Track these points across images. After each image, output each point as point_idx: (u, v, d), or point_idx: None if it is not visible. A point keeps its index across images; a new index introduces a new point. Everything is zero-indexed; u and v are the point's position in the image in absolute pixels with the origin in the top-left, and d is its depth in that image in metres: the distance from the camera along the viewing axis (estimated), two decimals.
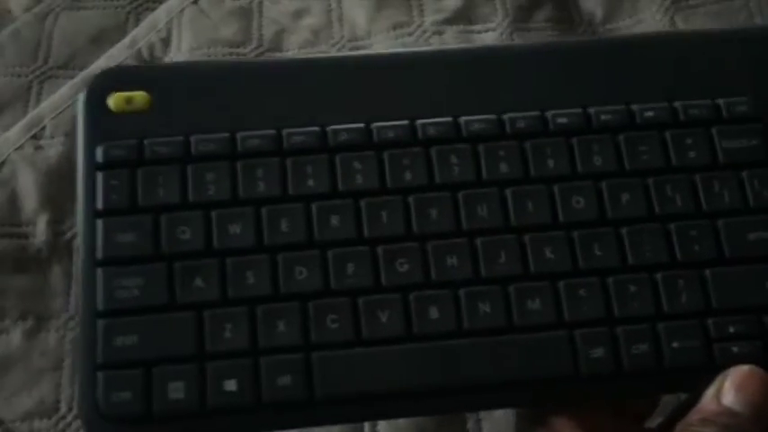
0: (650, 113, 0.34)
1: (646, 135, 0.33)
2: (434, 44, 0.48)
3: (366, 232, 0.32)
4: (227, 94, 0.34)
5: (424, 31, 0.49)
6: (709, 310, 0.31)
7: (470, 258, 0.31)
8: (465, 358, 0.31)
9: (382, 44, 0.48)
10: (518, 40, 0.48)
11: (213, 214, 0.31)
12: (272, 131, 0.33)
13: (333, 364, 0.30)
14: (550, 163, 0.33)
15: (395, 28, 0.49)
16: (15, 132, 0.46)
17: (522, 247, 0.32)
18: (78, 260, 0.31)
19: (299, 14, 0.50)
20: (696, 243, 0.32)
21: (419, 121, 0.33)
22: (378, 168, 0.32)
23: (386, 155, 0.33)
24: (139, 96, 0.33)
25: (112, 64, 0.48)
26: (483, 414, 0.39)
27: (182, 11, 0.49)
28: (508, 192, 0.32)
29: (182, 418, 0.29)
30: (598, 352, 0.31)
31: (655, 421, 0.33)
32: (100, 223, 0.31)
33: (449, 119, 0.33)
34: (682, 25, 0.48)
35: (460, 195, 0.32)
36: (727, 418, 0.29)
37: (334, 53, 0.46)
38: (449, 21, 0.49)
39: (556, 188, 0.32)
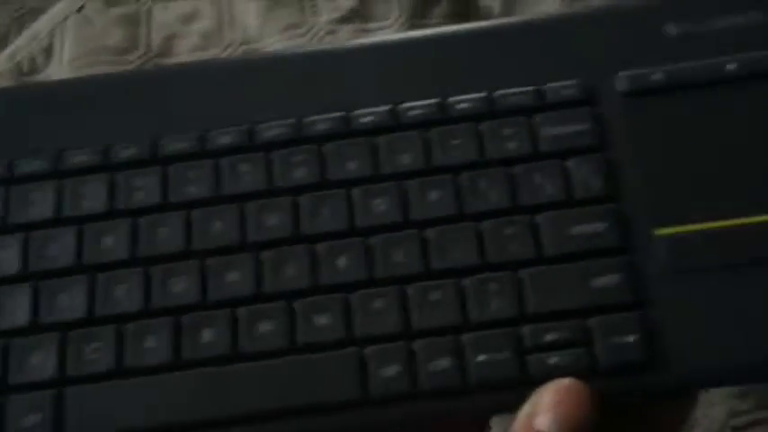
0: (465, 105, 0.30)
1: (459, 128, 0.30)
2: (327, 44, 0.46)
3: (140, 252, 0.29)
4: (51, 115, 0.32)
5: (318, 31, 0.47)
6: (524, 317, 0.27)
7: (253, 273, 0.28)
8: (241, 386, 0.27)
9: (275, 46, 0.47)
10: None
11: None
12: (98, 148, 0.31)
13: (87, 400, 0.27)
14: (350, 166, 0.30)
15: (287, 29, 0.47)
16: None
17: (313, 258, 0.28)
18: None
19: (188, 19, 0.48)
20: (512, 242, 0.28)
21: (211, 133, 0.31)
22: (161, 183, 0.30)
23: (171, 170, 0.30)
24: None
25: None
26: None
27: (65, 19, 0.48)
28: (302, 199, 0.29)
29: None
30: (391, 370, 0.27)
31: None
32: None
33: (244, 127, 0.31)
34: None
35: (248, 206, 0.29)
36: None
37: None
38: (343, 20, 0.47)
39: (354, 192, 0.29)
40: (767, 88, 0.30)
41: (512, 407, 0.26)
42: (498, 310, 0.27)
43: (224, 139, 0.30)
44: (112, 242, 0.29)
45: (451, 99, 0.31)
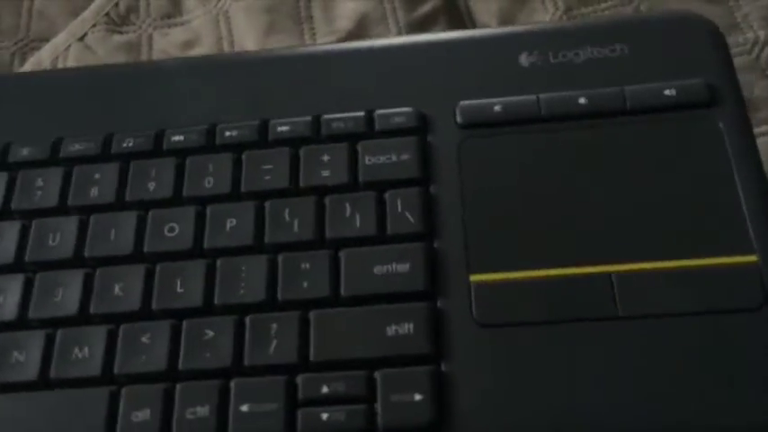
0: (284, 128, 0.27)
1: (275, 152, 0.27)
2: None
3: None
4: None
5: None
6: (304, 364, 0.23)
7: (21, 295, 0.25)
8: None
9: None
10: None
11: None
12: None
13: None
14: (151, 185, 0.27)
15: None
16: None
17: (88, 281, 0.25)
18: None
19: (189, 45, 0.47)
20: (306, 278, 0.25)
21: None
22: None
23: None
24: None
25: None
26: None
27: (67, 48, 0.47)
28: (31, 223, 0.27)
29: None
30: (142, 414, 0.23)
31: None
32: None
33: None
34: None
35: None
36: None
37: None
38: (341, 42, 0.46)
39: (151, 214, 0.26)
40: (611, 127, 0.26)
41: None
42: (276, 354, 0.24)
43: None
44: None
45: (273, 121, 0.28)
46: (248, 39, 0.48)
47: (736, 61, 0.29)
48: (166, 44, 0.49)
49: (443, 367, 0.23)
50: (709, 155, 0.26)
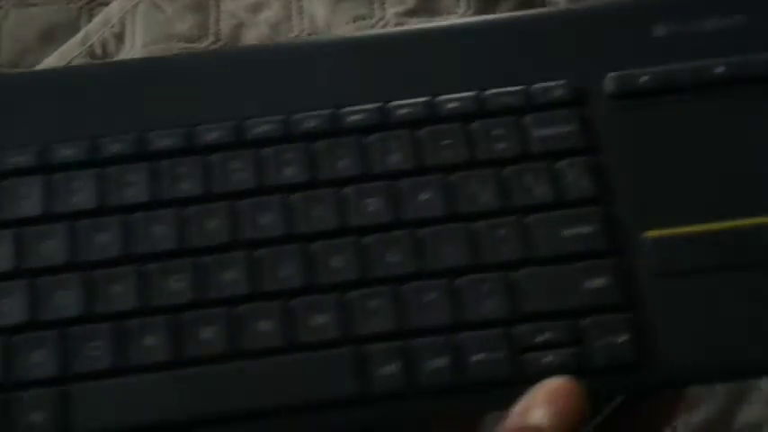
0: (454, 104, 0.31)
1: (448, 128, 0.30)
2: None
3: (132, 250, 0.29)
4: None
5: (386, 24, 0.47)
6: (518, 317, 0.28)
7: (247, 272, 0.28)
8: (240, 383, 0.27)
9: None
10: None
11: None
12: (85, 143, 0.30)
13: (91, 397, 0.27)
14: (340, 165, 0.30)
15: (355, 20, 0.47)
16: None
17: (307, 257, 0.29)
18: None
19: (257, 8, 0.48)
20: (504, 243, 0.29)
21: (199, 128, 0.30)
22: (150, 181, 0.30)
23: (164, 165, 0.30)
24: None
25: (64, 61, 0.47)
26: None
27: (136, 5, 0.48)
28: (295, 198, 0.29)
29: None
30: (390, 369, 0.27)
31: None
32: None
33: (231, 124, 0.31)
34: None
35: (241, 204, 0.29)
36: None
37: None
38: (411, 12, 0.48)
39: (347, 191, 0.29)
40: (753, 91, 0.31)
41: (506, 404, 0.27)
42: (492, 310, 0.28)
43: (211, 135, 0.30)
44: (106, 240, 0.29)
45: (441, 98, 0.31)
46: (317, 4, 0.49)
47: None
48: (234, 7, 0.50)
49: (637, 314, 0.28)
50: None
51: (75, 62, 0.47)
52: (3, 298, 0.28)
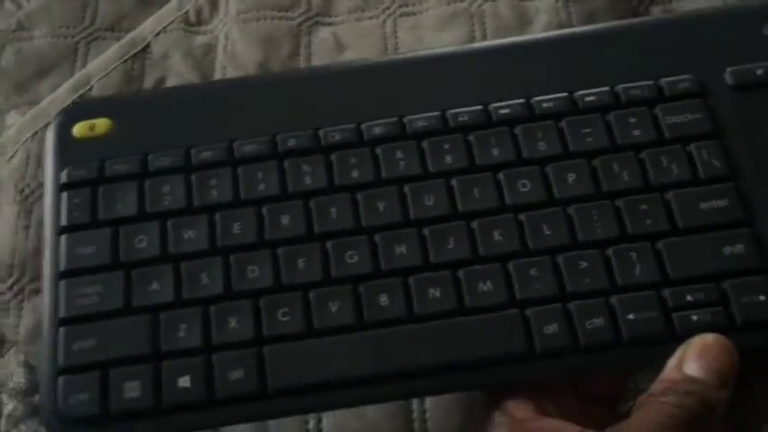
0: (592, 98, 0.34)
1: (589, 119, 0.34)
2: (487, 12, 0.48)
3: (316, 228, 0.32)
4: (182, 115, 0.35)
5: (478, 0, 0.48)
6: (665, 281, 0.31)
7: (419, 246, 0.32)
8: (416, 343, 0.31)
9: (434, 10, 0.48)
10: (573, 9, 0.47)
11: (169, 223, 0.33)
12: (223, 144, 0.34)
13: (284, 357, 0.30)
14: (495, 152, 0.33)
15: (449, 3, 0.49)
16: (62, 92, 0.47)
17: (471, 233, 0.32)
18: (45, 275, 0.33)
19: None
20: (647, 216, 0.32)
21: (364, 125, 0.34)
22: (326, 169, 0.33)
23: (333, 156, 0.34)
24: (101, 123, 0.35)
25: (160, 27, 0.48)
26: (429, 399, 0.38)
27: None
28: (454, 181, 0.33)
29: (138, 416, 0.30)
30: (552, 328, 0.30)
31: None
32: (63, 239, 0.33)
33: (394, 119, 0.34)
34: None
35: (407, 188, 0.33)
36: (690, 385, 0.28)
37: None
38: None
39: (501, 175, 0.33)
40: None
41: (660, 359, 0.30)
42: (641, 275, 0.31)
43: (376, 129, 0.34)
44: (288, 221, 0.32)
45: (578, 93, 0.34)
46: None
47: None
48: None
49: None
50: None
51: (171, 28, 0.49)
52: (202, 272, 0.32)
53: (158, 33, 0.49)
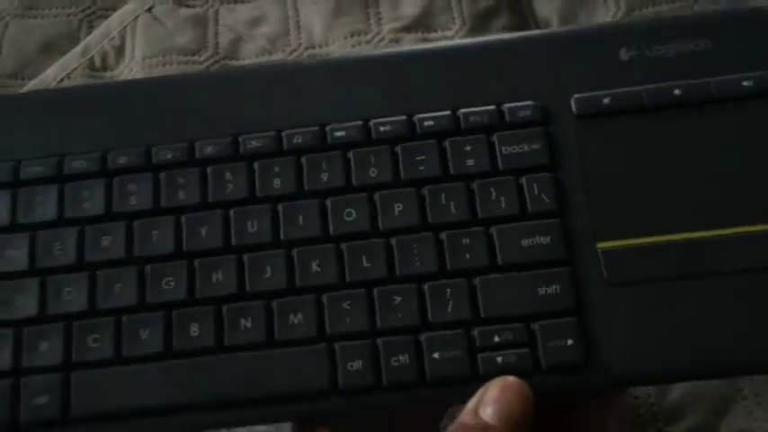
0: (431, 122, 0.33)
1: (425, 145, 0.33)
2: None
3: (136, 252, 0.32)
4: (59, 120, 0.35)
5: (382, 39, 0.49)
6: (476, 320, 0.31)
7: (236, 273, 0.32)
8: (224, 374, 0.31)
9: (340, 52, 0.49)
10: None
11: None
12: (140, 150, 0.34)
13: (89, 383, 0.31)
14: (324, 177, 0.33)
15: (352, 35, 0.49)
16: None
17: (290, 261, 0.32)
18: None
19: (255, 22, 0.50)
20: (468, 251, 0.31)
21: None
22: (153, 188, 0.33)
23: (162, 175, 0.33)
24: None
25: (64, 73, 0.48)
26: None
27: (135, 18, 0.50)
28: (280, 207, 0.32)
29: None
30: (357, 364, 0.30)
31: None
32: None
33: (228, 138, 0.34)
34: None
35: (232, 212, 0.32)
36: (481, 431, 0.28)
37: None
38: (406, 28, 0.49)
39: (328, 202, 0.32)
40: (707, 112, 0.33)
41: (463, 399, 0.30)
42: (453, 312, 0.31)
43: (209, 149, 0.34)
44: (110, 243, 0.32)
45: (418, 116, 0.33)
46: (314, 19, 0.50)
47: None
48: (232, 21, 0.51)
49: (585, 319, 0.30)
50: None
51: (75, 74, 0.49)
52: (16, 293, 0.32)
53: (62, 80, 0.49)
